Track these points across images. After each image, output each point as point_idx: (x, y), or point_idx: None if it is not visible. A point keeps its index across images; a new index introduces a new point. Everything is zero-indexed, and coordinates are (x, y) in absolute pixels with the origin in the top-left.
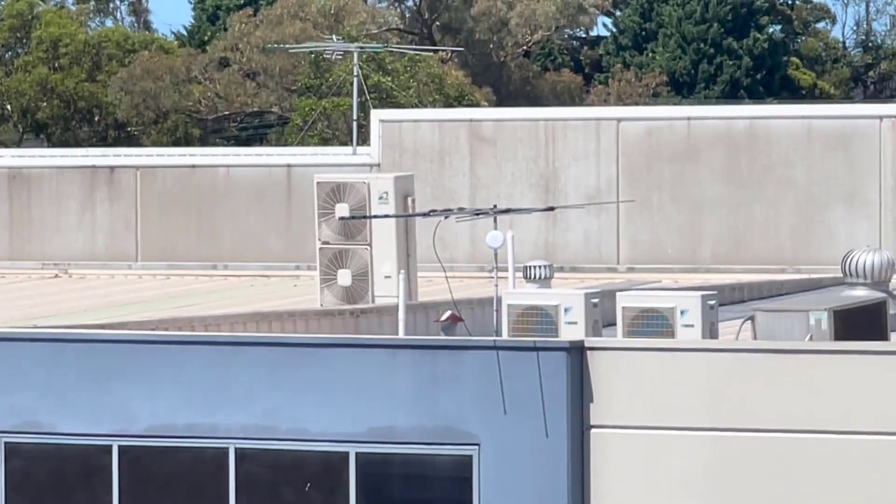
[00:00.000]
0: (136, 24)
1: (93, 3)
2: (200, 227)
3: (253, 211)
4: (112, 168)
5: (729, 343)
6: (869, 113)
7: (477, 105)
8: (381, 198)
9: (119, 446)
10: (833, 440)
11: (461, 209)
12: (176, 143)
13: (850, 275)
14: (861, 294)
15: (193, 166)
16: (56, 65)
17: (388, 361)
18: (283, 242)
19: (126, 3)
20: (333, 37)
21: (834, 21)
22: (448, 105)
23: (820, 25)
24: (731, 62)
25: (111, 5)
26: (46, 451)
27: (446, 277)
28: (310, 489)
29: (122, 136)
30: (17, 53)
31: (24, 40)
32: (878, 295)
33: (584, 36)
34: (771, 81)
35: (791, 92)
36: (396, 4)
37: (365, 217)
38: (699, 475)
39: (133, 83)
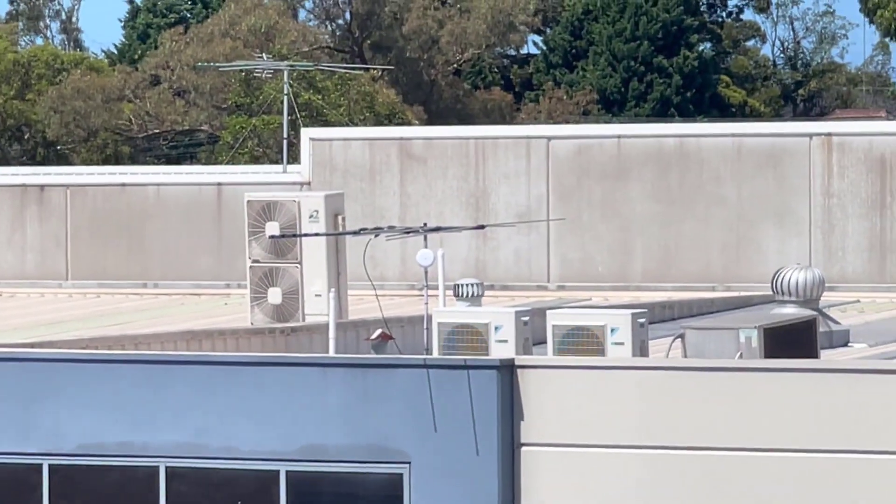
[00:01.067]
0: (66, 43)
1: (22, 21)
2: (131, 246)
3: (183, 229)
4: (42, 187)
5: (659, 361)
6: (798, 131)
7: (408, 123)
8: (311, 216)
9: (49, 465)
10: (763, 458)
11: (391, 228)
12: (106, 162)
13: (780, 293)
14: (791, 312)
15: (123, 185)
16: None
17: (318, 380)
18: (214, 261)
19: (56, 21)
20: (264, 55)
21: (764, 39)
22: (379, 123)
23: (750, 43)
24: (661, 80)
25: (41, 24)
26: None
27: (377, 296)
28: None
29: (51, 154)
30: None
31: None
32: (807, 312)
33: (514, 54)
34: (701, 99)
35: (721, 110)
36: (327, 23)
37: (295, 235)
38: (630, 493)
39: (63, 102)
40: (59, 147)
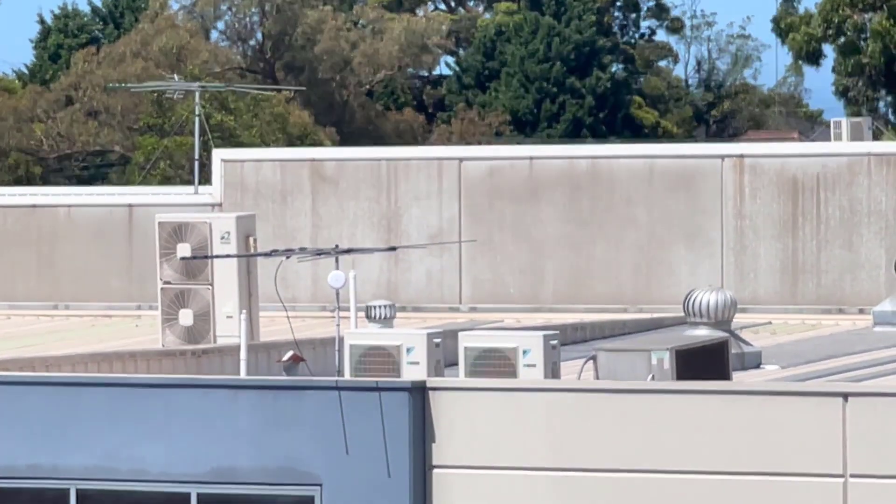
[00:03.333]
0: None
1: None
2: (41, 267)
3: (94, 250)
4: None
5: (570, 382)
6: (711, 152)
7: (320, 144)
8: (222, 237)
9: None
10: (674, 479)
11: (303, 249)
12: (17, 182)
13: (692, 314)
14: (703, 333)
15: (34, 206)
16: None
17: (229, 401)
18: (125, 282)
19: None
20: (175, 76)
21: (676, 60)
22: (291, 144)
23: (663, 64)
24: (573, 101)
25: None
26: None
27: (288, 317)
28: None
29: None
30: None
31: None
32: (719, 334)
33: (427, 75)
34: (614, 120)
35: (634, 131)
36: (239, 44)
37: (206, 257)
38: None
39: None
40: None
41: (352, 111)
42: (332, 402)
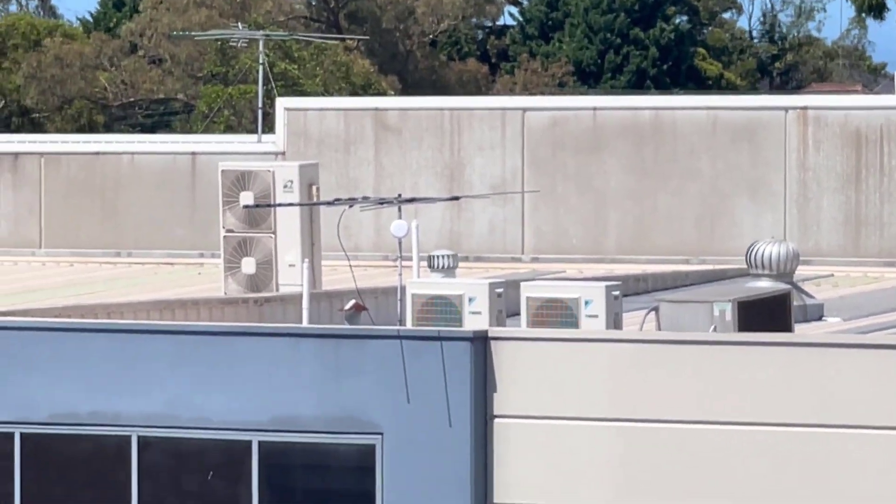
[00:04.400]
0: (40, 11)
1: None
2: (104, 215)
3: (157, 198)
4: (16, 154)
5: (632, 333)
6: (774, 104)
7: (383, 94)
8: (285, 186)
9: (21, 434)
10: (735, 431)
11: (366, 198)
12: (80, 130)
13: (754, 266)
14: (765, 285)
15: (98, 153)
16: None
17: (291, 350)
18: (188, 230)
19: None
20: (239, 24)
21: (740, 11)
22: (354, 93)
23: (726, 16)
24: (637, 52)
25: None
26: None
27: (350, 266)
28: (212, 478)
29: (26, 122)
30: None
31: None
32: (782, 286)
33: (490, 25)
34: (677, 72)
35: (697, 82)
36: None
37: (269, 205)
38: (602, 465)
39: (41, 69)
40: (34, 115)
41: (415, 61)
42: (393, 351)
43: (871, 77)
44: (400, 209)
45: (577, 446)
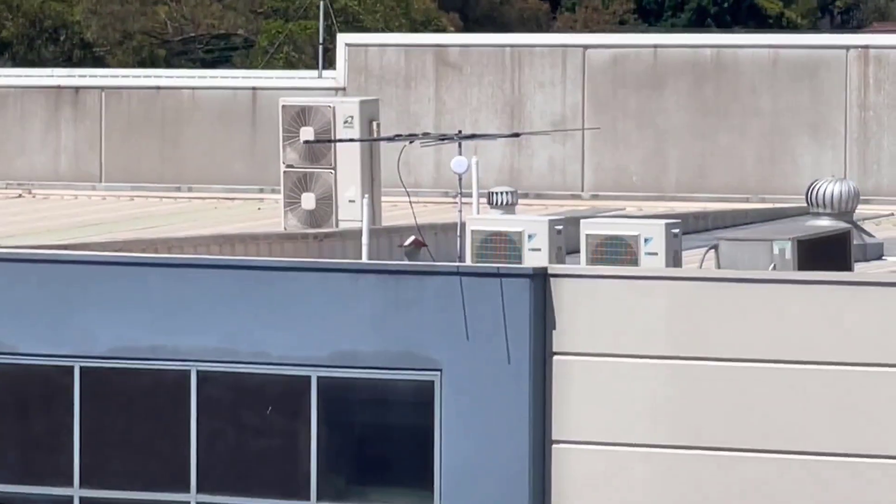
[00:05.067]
0: None
1: None
2: (165, 149)
3: (217, 133)
4: (77, 88)
5: (692, 271)
6: (835, 43)
7: (443, 30)
8: (346, 122)
9: (81, 367)
10: (795, 370)
11: (426, 134)
12: (141, 65)
13: (815, 205)
14: (825, 224)
15: (158, 88)
16: None
17: (350, 285)
18: (248, 165)
19: None
20: None
21: None
22: (414, 30)
23: None
24: None
25: None
26: (7, 371)
27: (410, 202)
28: (272, 412)
29: (87, 56)
30: None
31: None
32: (841, 225)
33: None
34: (738, 10)
35: (758, 21)
36: None
37: (330, 141)
38: (661, 402)
39: (102, 4)
40: (95, 49)
41: None
42: (453, 287)
43: None
44: (460, 145)
45: (636, 385)
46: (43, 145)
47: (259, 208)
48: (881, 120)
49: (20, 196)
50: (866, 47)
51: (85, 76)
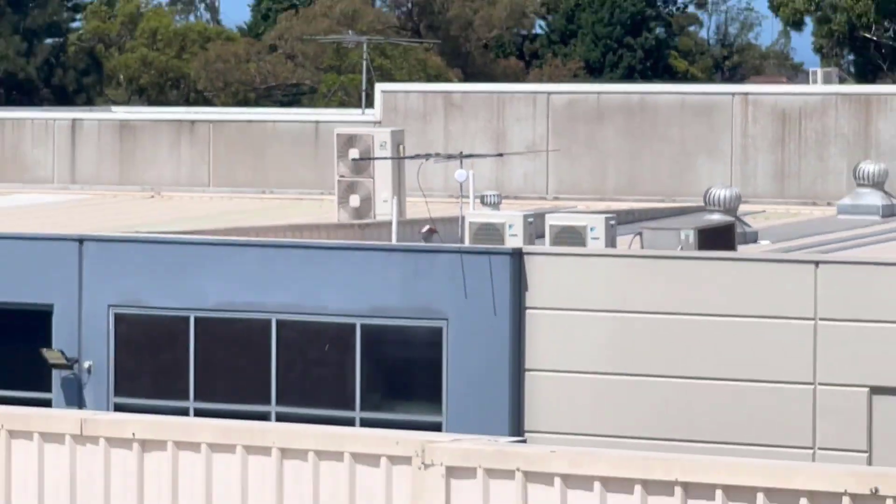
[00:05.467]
0: (209, 20)
1: (180, 4)
2: (255, 164)
3: (291, 153)
4: (193, 122)
5: (623, 251)
6: (724, 91)
7: (449, 81)
8: (381, 145)
9: (195, 317)
10: (695, 319)
11: (437, 154)
12: (238, 105)
13: (709, 204)
14: (717, 218)
15: (250, 121)
16: (154, 47)
17: (384, 260)
18: (313, 175)
19: (203, 4)
20: (350, 31)
21: (701, 25)
22: (429, 80)
23: (692, 28)
24: (629, 54)
25: (192, 7)
26: (143, 319)
27: (426, 202)
28: (328, 349)
29: (199, 98)
30: (127, 39)
31: (132, 30)
32: (728, 219)
33: (525, 34)
34: (657, 67)
35: (671, 75)
36: (395, 9)
37: (369, 159)
38: (603, 344)
39: (209, 63)
40: (205, 94)
41: (473, 59)
42: (456, 261)
43: (793, 72)
44: (461, 162)
45: (584, 329)
46: (168, 161)
47: (320, 206)
48: (757, 145)
49: (152, 197)
50: (746, 94)
51: (198, 113)
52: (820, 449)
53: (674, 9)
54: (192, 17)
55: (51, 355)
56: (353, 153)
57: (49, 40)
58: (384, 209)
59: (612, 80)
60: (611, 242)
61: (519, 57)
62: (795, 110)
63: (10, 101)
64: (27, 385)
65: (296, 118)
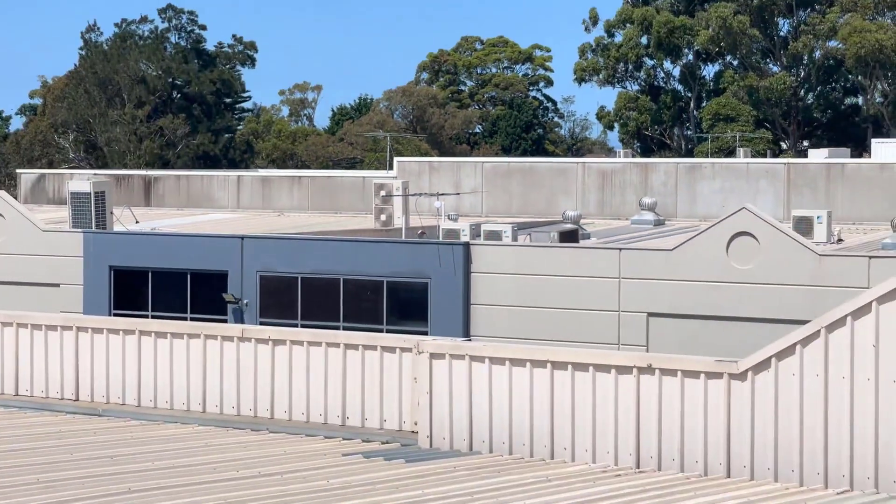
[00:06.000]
0: (308, 123)
1: (294, 116)
2: (332, 199)
3: (352, 194)
4: (300, 177)
5: (522, 243)
6: (573, 161)
7: (431, 157)
8: (396, 189)
9: (300, 277)
10: (559, 279)
11: (425, 193)
12: (323, 169)
13: (565, 219)
14: (568, 226)
15: (330, 177)
16: (279, 137)
17: (398, 248)
18: (362, 204)
19: (304, 116)
20: (380, 130)
21: (561, 127)
22: (421, 156)
23: (556, 129)
24: (524, 142)
25: (299, 116)
26: (273, 278)
27: (419, 218)
28: (369, 294)
29: (304, 165)
30: (266, 134)
31: (269, 128)
32: (574, 227)
33: (470, 132)
34: (538, 149)
35: (546, 153)
36: (404, 119)
37: (391, 195)
38: (512, 290)
39: (309, 147)
40: (306, 163)
41: (443, 144)
42: (435, 249)
43: (609, 152)
44: (438, 197)
45: (502, 283)
46: (288, 197)
47: (366, 217)
48: (589, 188)
49: (278, 216)
50: (584, 163)
51: (303, 173)
52: (622, 345)
53: (547, 118)
54: (300, 122)
55: (227, 297)
56: (382, 193)
57: (227, 135)
58: (398, 222)
59: (515, 155)
60: (514, 239)
61: (467, 143)
62: (609, 171)
63: (206, 166)
64: (216, 312)
65: (352, 175)
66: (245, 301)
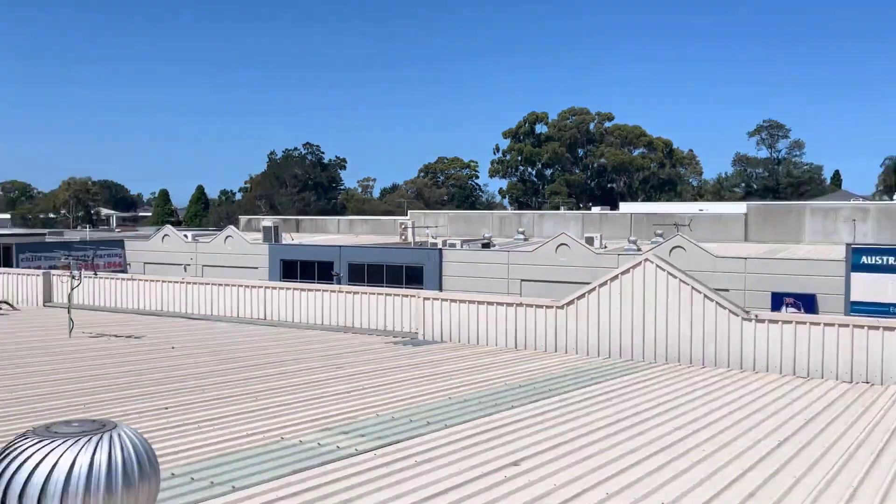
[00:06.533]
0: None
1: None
2: (379, 229)
3: (376, 229)
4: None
5: (471, 248)
6: (487, 213)
7: (428, 208)
8: (410, 224)
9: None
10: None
11: (423, 227)
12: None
13: (484, 238)
14: (486, 240)
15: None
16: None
17: (409, 250)
18: (396, 238)
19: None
20: (400, 197)
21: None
22: (428, 209)
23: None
24: (458, 198)
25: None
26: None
27: (414, 238)
28: (402, 269)
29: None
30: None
31: (346, 202)
32: (488, 240)
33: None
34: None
35: (473, 207)
36: (408, 189)
37: (407, 228)
38: (469, 274)
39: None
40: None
41: (440, 206)
42: (426, 251)
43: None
44: (428, 228)
45: (461, 269)
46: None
47: (402, 238)
48: (495, 225)
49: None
50: (493, 214)
51: (400, 218)
52: (510, 293)
53: (477, 192)
54: (366, 195)
55: (333, 273)
56: (402, 226)
57: (333, 200)
58: (410, 240)
59: (463, 208)
60: (461, 246)
61: (440, 205)
62: (506, 217)
63: (324, 214)
64: (328, 279)
65: (389, 218)
66: (340, 274)
